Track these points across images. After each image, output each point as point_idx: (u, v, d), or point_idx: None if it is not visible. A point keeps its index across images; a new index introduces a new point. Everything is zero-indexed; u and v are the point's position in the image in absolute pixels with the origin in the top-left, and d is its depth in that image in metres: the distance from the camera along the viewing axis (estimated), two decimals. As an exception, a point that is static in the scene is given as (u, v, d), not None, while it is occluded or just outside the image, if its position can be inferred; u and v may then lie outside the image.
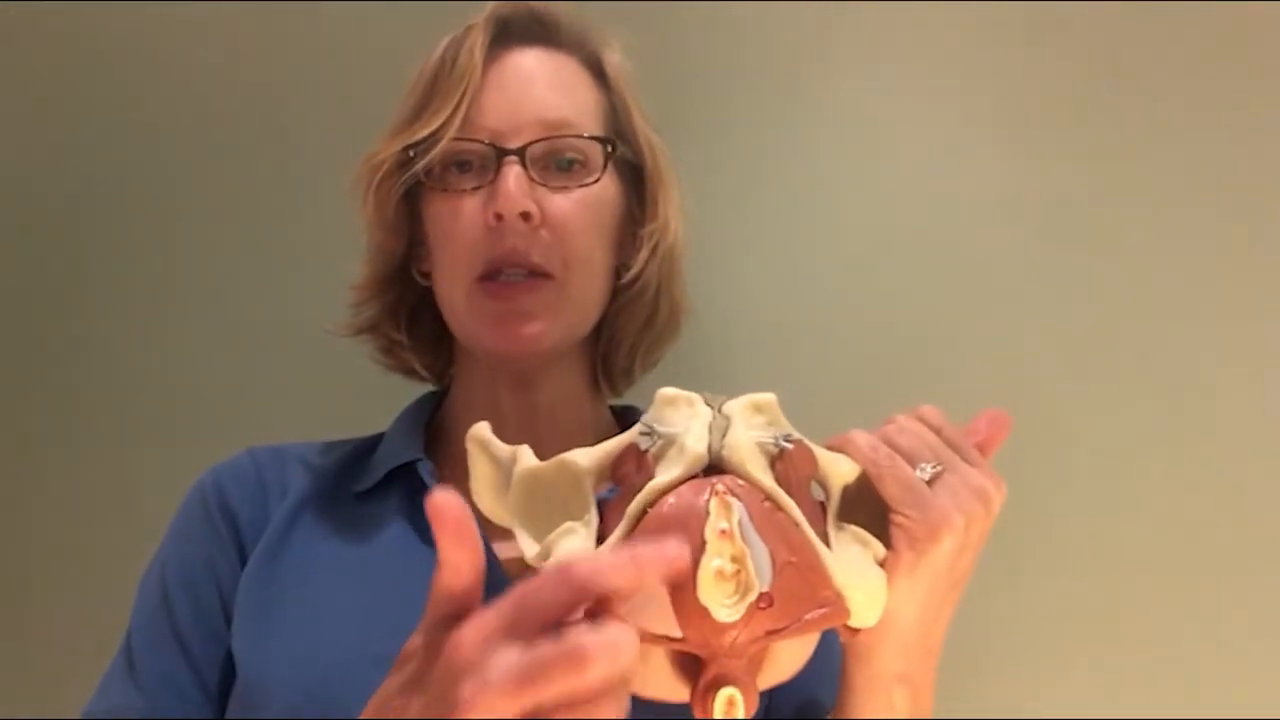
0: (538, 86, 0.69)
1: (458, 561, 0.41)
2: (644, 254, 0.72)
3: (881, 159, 0.93)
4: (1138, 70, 0.90)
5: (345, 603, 0.65)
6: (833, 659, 0.60)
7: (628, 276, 0.72)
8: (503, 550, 0.65)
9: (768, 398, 0.54)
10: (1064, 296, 0.90)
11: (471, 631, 0.39)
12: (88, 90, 1.01)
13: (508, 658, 0.37)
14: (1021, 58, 0.92)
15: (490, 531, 0.63)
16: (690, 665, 0.49)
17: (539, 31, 0.71)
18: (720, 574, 0.46)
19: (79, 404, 1.01)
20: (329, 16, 0.98)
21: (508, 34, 0.70)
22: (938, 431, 0.57)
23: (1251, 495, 0.88)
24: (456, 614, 0.41)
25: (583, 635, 0.37)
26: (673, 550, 0.40)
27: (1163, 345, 0.89)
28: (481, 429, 0.59)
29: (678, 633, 0.47)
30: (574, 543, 0.52)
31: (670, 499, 0.49)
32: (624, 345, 0.76)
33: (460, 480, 0.61)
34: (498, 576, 0.63)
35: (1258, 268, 0.89)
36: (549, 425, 0.72)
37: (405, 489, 0.70)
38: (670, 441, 0.51)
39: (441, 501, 0.40)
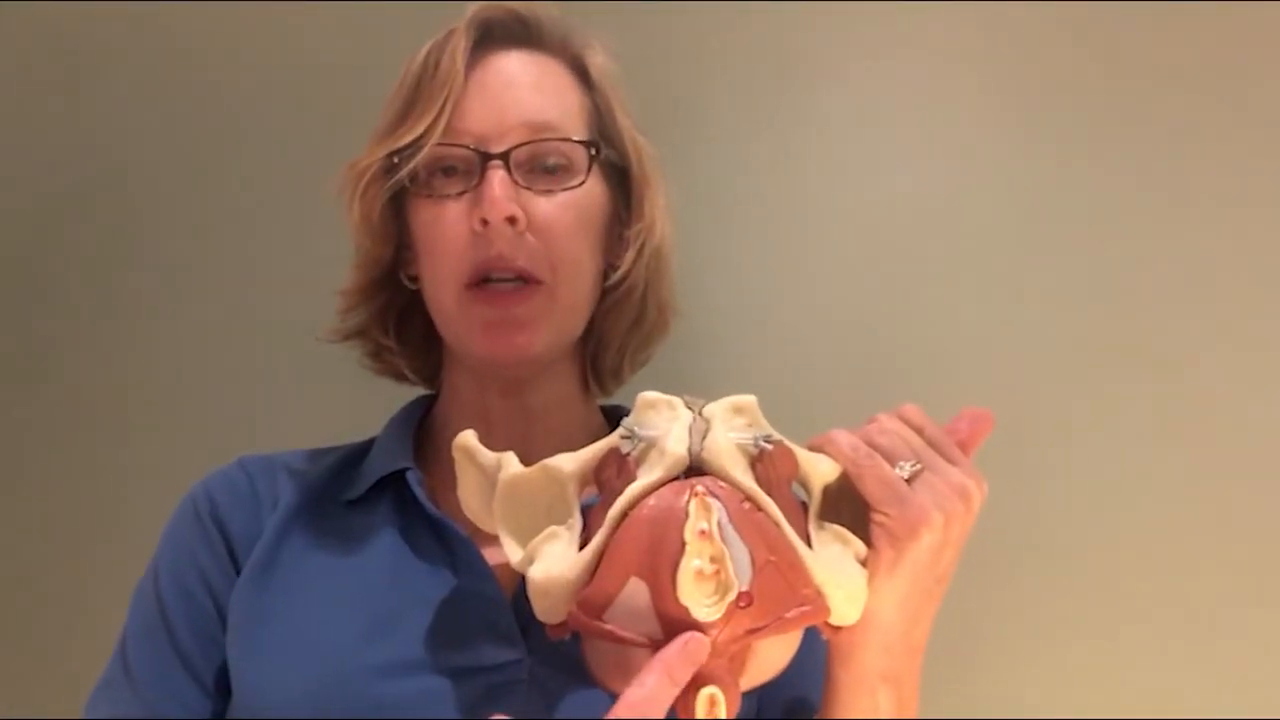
0: (521, 89, 0.68)
1: None
2: (631, 255, 0.71)
3: (867, 160, 0.93)
4: (1135, 71, 0.90)
5: (339, 613, 0.65)
6: (820, 658, 0.60)
7: (615, 277, 0.72)
8: (492, 556, 0.65)
9: (748, 400, 0.54)
10: (1053, 296, 0.90)
11: None
12: (79, 95, 1.01)
13: None
14: (1009, 57, 0.92)
15: (480, 538, 0.64)
16: None
17: (521, 34, 0.70)
18: (700, 574, 0.47)
19: (70, 410, 1.01)
20: (318, 22, 0.98)
21: (490, 37, 0.69)
22: (919, 430, 0.57)
23: (1249, 494, 0.87)
24: None
25: None
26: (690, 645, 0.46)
27: (1158, 344, 0.89)
28: (467, 437, 0.60)
29: (660, 634, 0.47)
30: (557, 548, 0.53)
31: (650, 501, 0.49)
32: (612, 346, 0.76)
33: (449, 487, 0.62)
34: (489, 582, 0.64)
35: (1258, 266, 0.89)
36: (540, 428, 0.72)
37: (395, 497, 0.70)
38: (651, 444, 0.52)
39: None
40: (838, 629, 0.53)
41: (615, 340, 0.76)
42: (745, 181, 0.94)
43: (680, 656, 0.46)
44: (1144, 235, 0.90)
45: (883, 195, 0.92)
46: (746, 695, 0.65)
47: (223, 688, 0.67)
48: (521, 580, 0.64)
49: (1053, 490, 0.89)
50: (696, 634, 0.46)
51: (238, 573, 0.68)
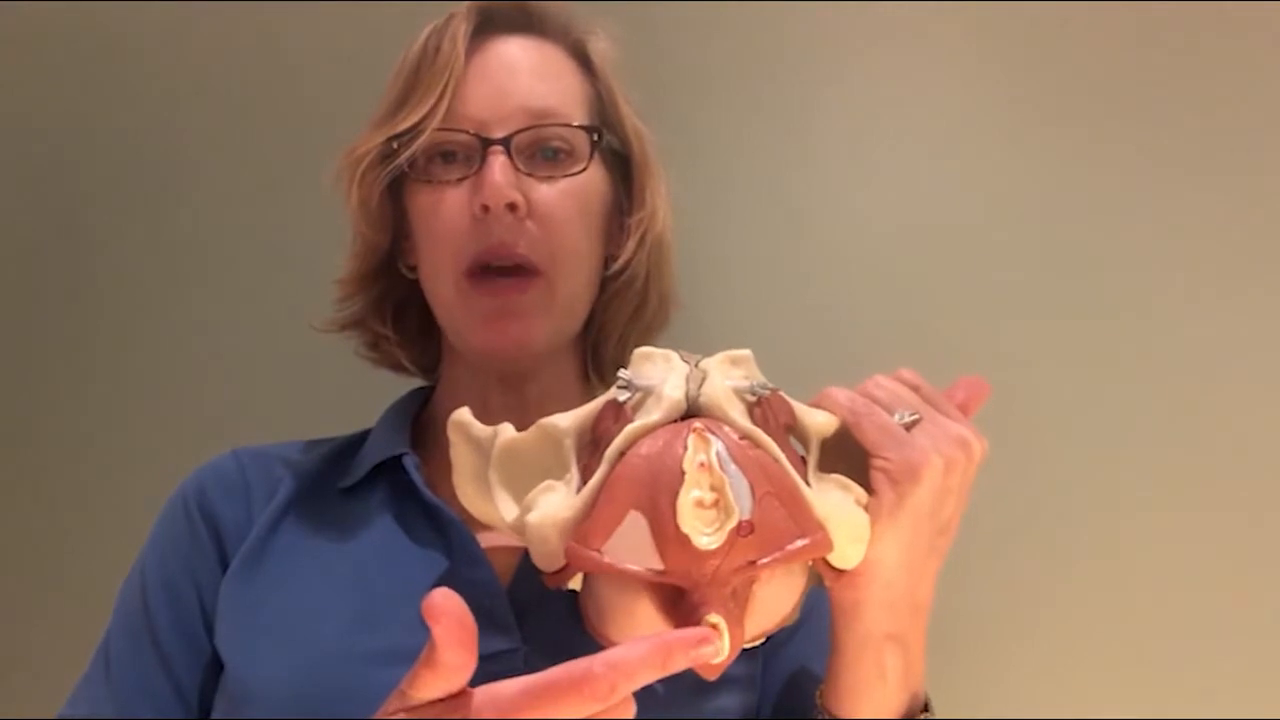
0: (522, 75, 0.68)
1: (454, 663, 0.42)
2: (632, 243, 0.71)
3: (867, 149, 0.93)
4: (1134, 70, 0.91)
5: (331, 600, 0.64)
6: (823, 631, 0.59)
7: (616, 267, 0.72)
8: (488, 542, 0.64)
9: (744, 352, 0.55)
10: (1057, 289, 0.91)
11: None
12: (71, 87, 1.01)
13: None
14: (1007, 53, 0.93)
15: (475, 525, 0.63)
16: (677, 612, 0.48)
17: (522, 19, 0.70)
18: (700, 503, 0.46)
19: (64, 402, 1.00)
20: (311, 11, 0.98)
21: (491, 22, 0.69)
22: (915, 389, 0.57)
23: (1250, 490, 0.87)
24: (443, 699, 0.43)
25: None
26: (698, 633, 0.42)
27: (1158, 341, 0.89)
28: (462, 414, 0.59)
29: (659, 565, 0.46)
30: (554, 499, 0.52)
31: (648, 440, 0.49)
32: (613, 336, 0.76)
33: (446, 478, 0.61)
34: (484, 569, 0.63)
35: (1256, 262, 0.89)
36: (539, 418, 0.71)
37: (391, 484, 0.69)
38: (648, 393, 0.52)
39: (441, 602, 0.41)
40: (840, 573, 0.52)
41: (616, 331, 0.75)
42: (745, 173, 0.94)
43: (684, 642, 0.42)
44: (1145, 231, 0.90)
45: (884, 184, 0.93)
46: (750, 660, 0.64)
47: (204, 689, 0.66)
48: (517, 568, 0.64)
49: (1051, 486, 0.88)
50: (712, 635, 0.44)
51: (226, 567, 0.67)
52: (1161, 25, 0.91)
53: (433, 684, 0.42)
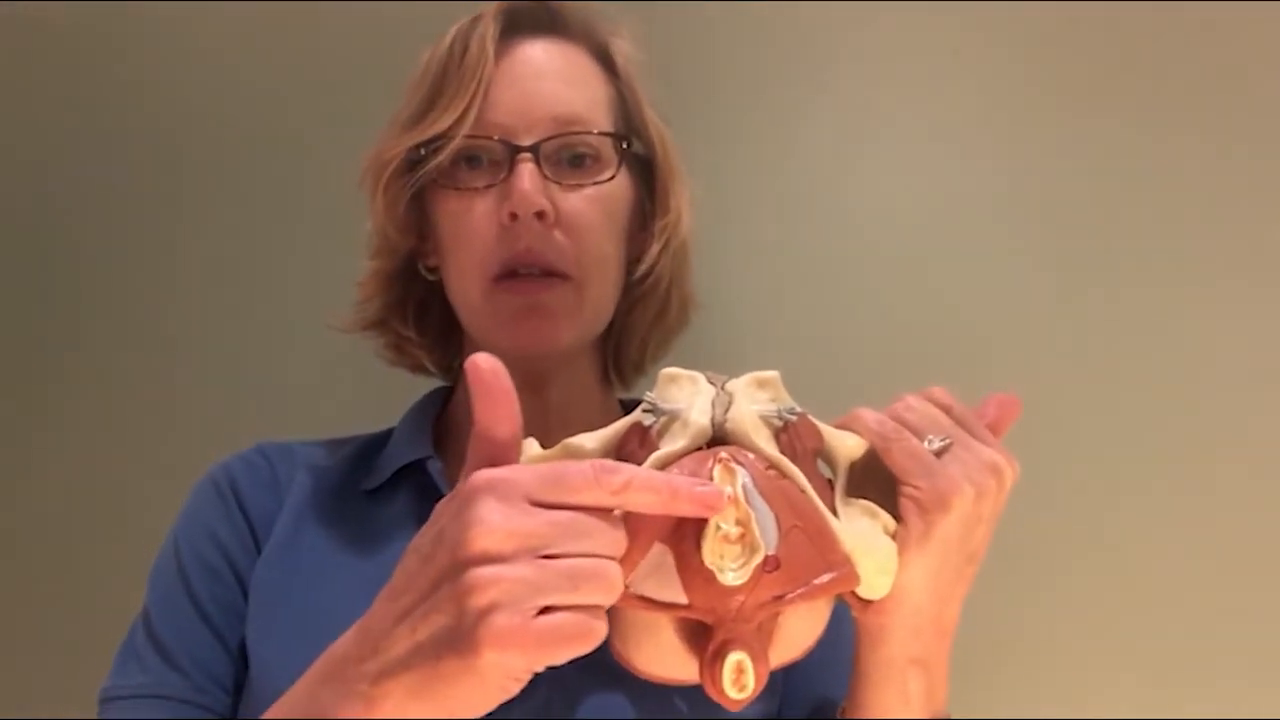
0: (548, 80, 0.67)
1: (495, 430, 0.46)
2: (656, 248, 0.71)
3: (886, 151, 0.93)
4: (1136, 70, 0.90)
5: (352, 605, 0.62)
6: (845, 657, 0.59)
7: (640, 272, 0.71)
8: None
9: (771, 374, 0.54)
10: (1070, 291, 0.90)
11: (503, 476, 0.43)
12: (87, 86, 1.02)
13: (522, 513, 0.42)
14: (1021, 55, 0.92)
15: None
16: (700, 640, 0.48)
17: (546, 21, 0.69)
18: (725, 538, 0.45)
19: (86, 402, 1.01)
20: (328, 11, 0.98)
21: (516, 24, 0.68)
22: (946, 410, 0.56)
23: (1253, 492, 0.86)
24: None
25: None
26: (710, 492, 0.45)
27: (1165, 340, 0.89)
28: None
29: (684, 599, 0.46)
30: None
31: (673, 468, 0.48)
32: (635, 340, 0.75)
33: (469, 478, 0.61)
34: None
35: (1258, 264, 0.88)
36: (560, 422, 0.70)
37: (414, 488, 0.69)
38: (674, 417, 0.51)
39: (482, 362, 0.46)
40: (867, 603, 0.51)
41: (638, 334, 0.75)
42: (764, 172, 0.93)
43: (691, 498, 0.44)
44: (1146, 230, 0.89)
45: (904, 187, 0.92)
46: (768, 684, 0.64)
47: (246, 661, 0.65)
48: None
49: (1054, 488, 0.88)
50: (718, 501, 0.45)
51: (259, 551, 0.67)
52: (1165, 25, 0.90)
53: (481, 457, 0.46)
